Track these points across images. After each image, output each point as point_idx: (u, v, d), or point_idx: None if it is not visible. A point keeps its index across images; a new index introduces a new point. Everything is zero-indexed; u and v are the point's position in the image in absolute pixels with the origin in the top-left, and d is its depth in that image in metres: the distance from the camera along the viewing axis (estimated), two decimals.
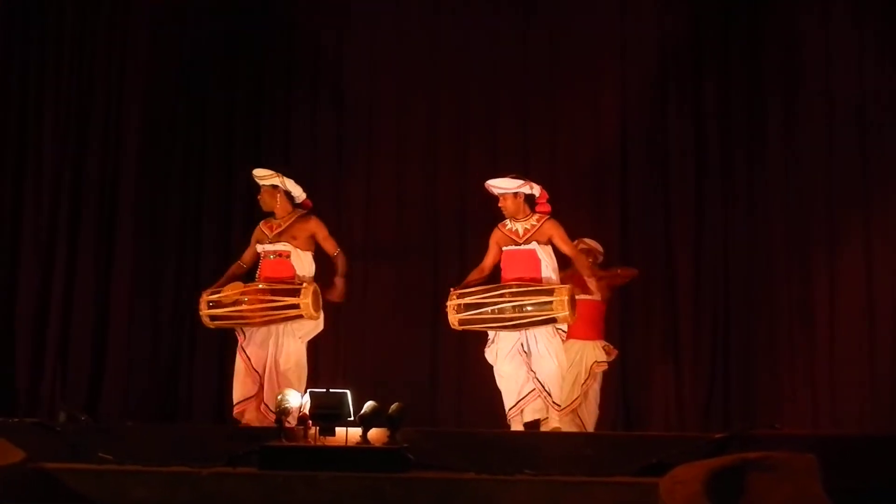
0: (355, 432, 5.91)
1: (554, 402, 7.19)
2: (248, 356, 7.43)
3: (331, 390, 6.20)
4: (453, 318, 7.29)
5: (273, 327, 7.44)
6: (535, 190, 7.46)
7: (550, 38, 9.71)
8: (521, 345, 7.24)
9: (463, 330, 7.50)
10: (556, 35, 9.69)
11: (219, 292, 7.51)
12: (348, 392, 6.13)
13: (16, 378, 9.10)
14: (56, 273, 9.32)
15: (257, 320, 7.41)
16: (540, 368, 7.18)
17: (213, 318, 7.53)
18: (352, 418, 5.96)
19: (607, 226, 9.32)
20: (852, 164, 9.10)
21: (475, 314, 7.23)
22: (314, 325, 7.57)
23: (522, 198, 7.42)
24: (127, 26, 9.73)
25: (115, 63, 9.66)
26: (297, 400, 6.19)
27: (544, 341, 7.20)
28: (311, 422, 6.01)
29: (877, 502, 5.27)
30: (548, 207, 7.50)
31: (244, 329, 7.50)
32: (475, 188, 8.22)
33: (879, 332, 8.96)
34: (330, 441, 5.90)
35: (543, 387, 7.15)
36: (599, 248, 8.39)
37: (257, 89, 10.00)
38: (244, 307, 7.42)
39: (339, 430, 5.94)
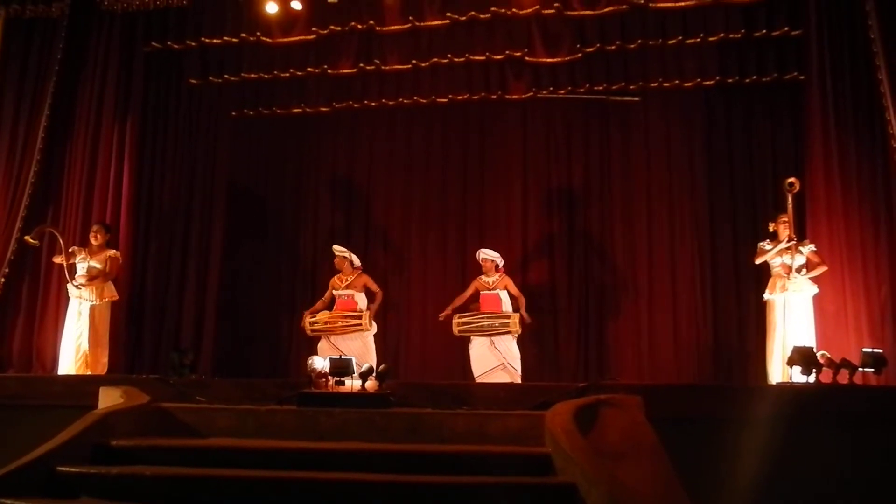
0: (357, 383, 5.90)
1: (519, 374, 8.03)
2: (339, 348, 7.97)
3: (342, 357, 6.22)
4: (455, 329, 8.15)
5: (352, 334, 8.13)
6: (502, 262, 8.42)
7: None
8: (493, 344, 8.06)
9: (460, 335, 8.19)
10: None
11: (314, 315, 8.23)
12: (353, 358, 6.14)
13: (143, 349, 8.91)
14: (172, 279, 9.16)
15: (338, 331, 8.13)
16: (508, 357, 8.06)
17: (312, 330, 8.25)
18: (355, 374, 5.96)
19: (512, 247, 9.35)
20: (661, 185, 9.24)
21: (468, 326, 8.14)
22: (372, 330, 8.25)
23: (495, 264, 8.36)
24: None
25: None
26: (321, 364, 6.17)
27: (508, 343, 8.10)
28: (330, 376, 6.01)
29: (680, 426, 5.31)
30: (503, 270, 8.40)
31: (330, 336, 8.15)
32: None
33: (680, 309, 8.98)
34: (341, 389, 5.88)
35: (512, 366, 8.03)
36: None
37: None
38: (330, 325, 8.17)
39: (347, 382, 5.94)
